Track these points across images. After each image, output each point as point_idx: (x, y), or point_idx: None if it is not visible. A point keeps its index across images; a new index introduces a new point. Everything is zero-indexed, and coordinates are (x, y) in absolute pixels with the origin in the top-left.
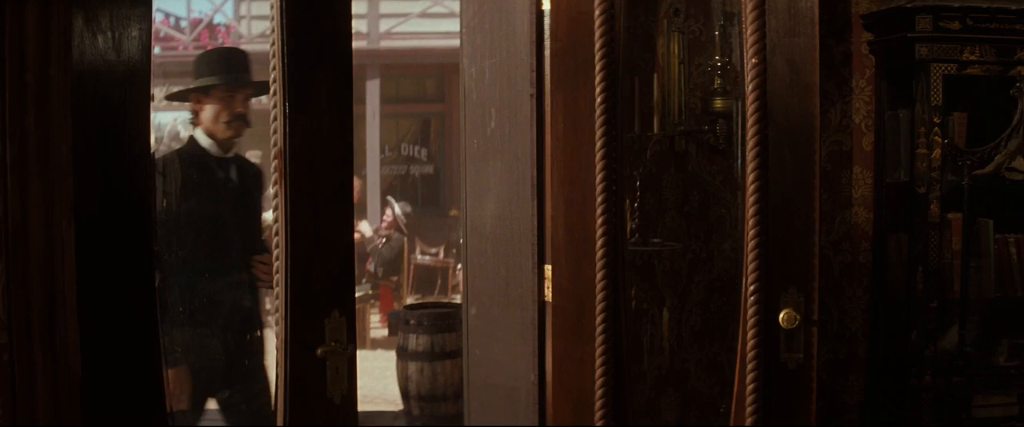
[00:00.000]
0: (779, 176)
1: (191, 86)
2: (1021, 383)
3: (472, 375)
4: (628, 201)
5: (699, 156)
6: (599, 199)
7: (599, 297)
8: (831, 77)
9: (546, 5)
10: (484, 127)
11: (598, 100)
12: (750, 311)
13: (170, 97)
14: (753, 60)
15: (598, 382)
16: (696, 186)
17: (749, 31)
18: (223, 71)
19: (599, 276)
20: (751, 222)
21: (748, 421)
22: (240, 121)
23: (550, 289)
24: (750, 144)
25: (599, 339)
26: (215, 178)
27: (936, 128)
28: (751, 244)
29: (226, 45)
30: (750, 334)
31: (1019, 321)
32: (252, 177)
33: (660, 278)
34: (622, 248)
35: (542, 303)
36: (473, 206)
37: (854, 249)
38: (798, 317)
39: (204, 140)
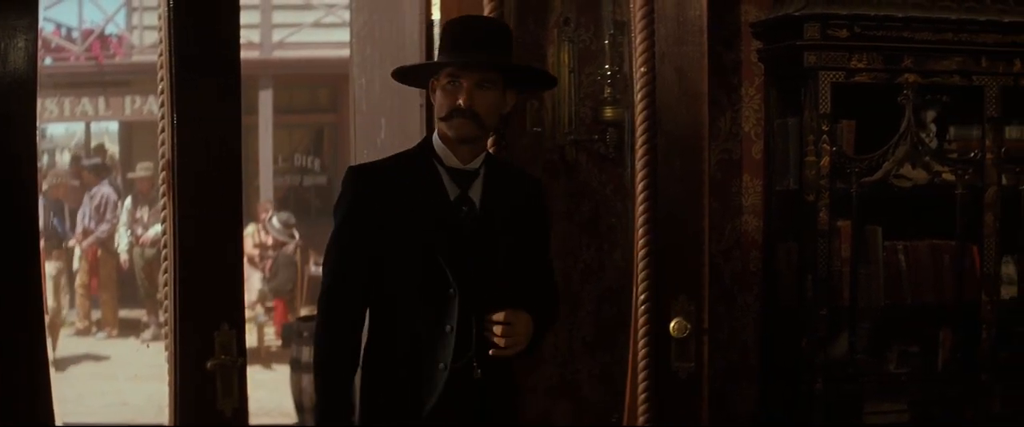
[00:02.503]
0: (669, 185)
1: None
2: (911, 390)
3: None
4: None
5: (590, 165)
6: None
7: None
8: (721, 85)
9: (436, 15)
10: (374, 137)
11: None
12: (641, 320)
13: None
14: (642, 69)
15: None
16: (587, 195)
17: (638, 40)
18: (452, 47)
19: None
20: (641, 231)
21: None
22: (464, 119)
23: None
24: (639, 153)
25: None
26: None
27: (824, 136)
28: (641, 253)
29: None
30: (641, 343)
31: (909, 328)
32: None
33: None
34: None
35: None
36: None
37: (745, 257)
38: (689, 326)
39: (439, 145)
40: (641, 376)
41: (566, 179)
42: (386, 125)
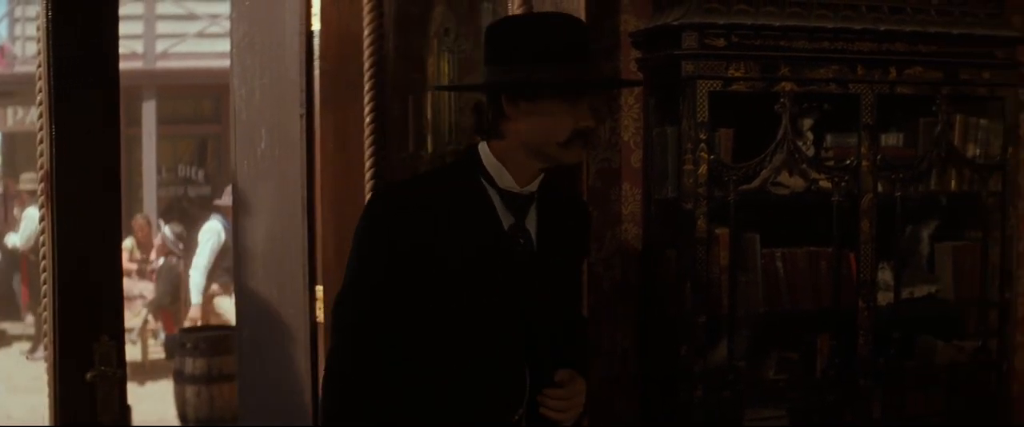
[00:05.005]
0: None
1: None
2: (790, 396)
3: (247, 397)
4: None
5: None
6: None
7: None
8: (601, 94)
9: (316, 26)
10: (254, 148)
11: (367, 120)
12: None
13: (443, 88)
14: None
15: None
16: None
17: None
18: (564, 55)
19: None
20: None
21: None
22: (586, 143)
23: (322, 309)
24: None
25: None
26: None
27: (702, 144)
28: None
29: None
30: None
31: (787, 334)
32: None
33: None
34: None
35: (314, 323)
36: (244, 227)
37: (625, 265)
38: None
39: (493, 164)
40: None
41: None
42: (266, 135)
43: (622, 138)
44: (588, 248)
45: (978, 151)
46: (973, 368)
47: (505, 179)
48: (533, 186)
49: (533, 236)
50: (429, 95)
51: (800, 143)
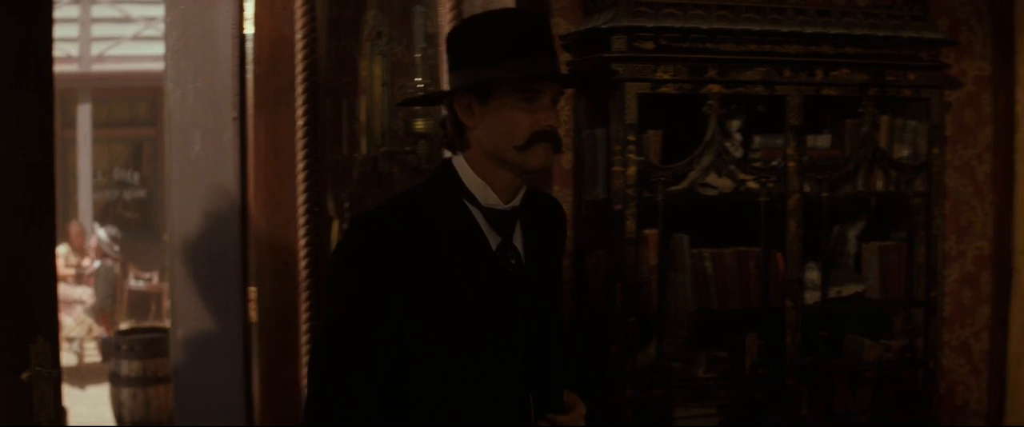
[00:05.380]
0: None
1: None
2: (720, 394)
3: (182, 398)
4: (338, 222)
5: (402, 176)
6: (301, 221)
7: (304, 318)
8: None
9: (249, 30)
10: (188, 150)
11: (299, 123)
12: None
13: (408, 102)
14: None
15: (303, 400)
16: None
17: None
18: (521, 52)
19: (303, 297)
20: None
21: None
22: (549, 144)
23: (255, 310)
24: None
25: (304, 358)
26: (481, 249)
27: (631, 146)
28: None
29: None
30: None
31: (717, 333)
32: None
33: None
34: (325, 270)
35: (248, 324)
36: (179, 229)
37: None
38: None
39: (472, 179)
40: None
41: (378, 190)
42: (200, 138)
43: None
44: (565, 248)
45: (904, 152)
46: (899, 366)
47: (490, 197)
48: (517, 201)
49: (521, 253)
50: (362, 98)
51: (728, 144)
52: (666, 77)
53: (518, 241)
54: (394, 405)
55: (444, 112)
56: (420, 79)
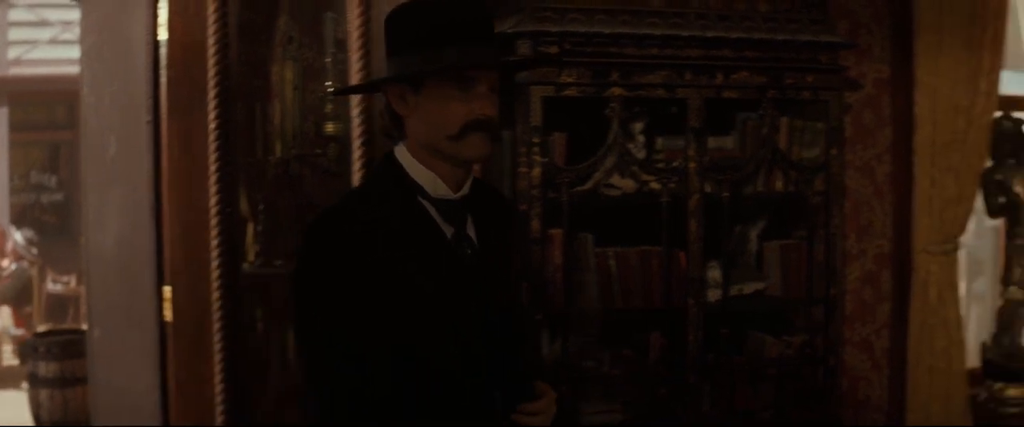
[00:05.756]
0: None
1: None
2: (624, 391)
3: (99, 398)
4: (253, 225)
5: (313, 179)
6: (214, 222)
7: (216, 316)
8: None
9: (163, 35)
10: (103, 153)
11: (212, 126)
12: None
13: (339, 92)
14: None
15: (218, 399)
16: (311, 208)
17: (354, 58)
18: (453, 38)
19: (216, 296)
20: None
21: None
22: (486, 134)
23: (170, 309)
24: (356, 166)
25: (218, 357)
26: (437, 241)
27: (536, 148)
28: None
29: None
30: None
31: (621, 331)
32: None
33: (282, 298)
34: (238, 270)
35: (163, 324)
36: (94, 232)
37: None
38: None
39: (418, 170)
40: None
41: (290, 192)
42: (116, 141)
43: None
44: (515, 245)
45: (804, 153)
46: (801, 363)
47: (439, 187)
48: (466, 189)
49: (475, 242)
50: (275, 101)
51: (631, 146)
52: (570, 80)
53: (471, 230)
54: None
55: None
56: (330, 83)
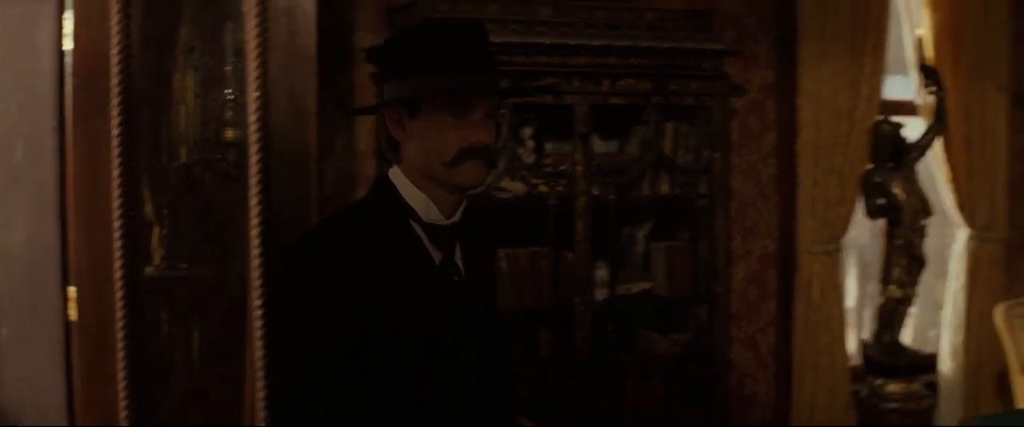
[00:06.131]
0: (281, 199)
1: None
2: (516, 387)
3: (7, 396)
4: (158, 228)
5: (214, 183)
6: (117, 225)
7: (119, 316)
8: (337, 106)
9: (68, 45)
10: (10, 158)
11: (115, 132)
12: (257, 324)
13: (350, 113)
14: (256, 93)
15: (122, 397)
16: (213, 212)
17: (252, 67)
18: (454, 64)
19: (119, 297)
20: (255, 243)
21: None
22: (482, 161)
23: (75, 308)
24: (253, 171)
25: (121, 356)
26: (426, 267)
27: None
28: (256, 262)
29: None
30: (258, 346)
31: (513, 330)
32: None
33: (186, 301)
34: (142, 272)
35: (68, 323)
36: (1, 233)
37: None
38: None
39: (413, 194)
40: (259, 376)
41: (193, 196)
42: (22, 147)
43: (358, 147)
44: (497, 262)
45: (688, 157)
46: (688, 360)
47: (432, 212)
48: (457, 215)
49: (462, 268)
50: (178, 108)
51: (521, 151)
52: None
53: (458, 257)
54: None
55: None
56: (230, 91)
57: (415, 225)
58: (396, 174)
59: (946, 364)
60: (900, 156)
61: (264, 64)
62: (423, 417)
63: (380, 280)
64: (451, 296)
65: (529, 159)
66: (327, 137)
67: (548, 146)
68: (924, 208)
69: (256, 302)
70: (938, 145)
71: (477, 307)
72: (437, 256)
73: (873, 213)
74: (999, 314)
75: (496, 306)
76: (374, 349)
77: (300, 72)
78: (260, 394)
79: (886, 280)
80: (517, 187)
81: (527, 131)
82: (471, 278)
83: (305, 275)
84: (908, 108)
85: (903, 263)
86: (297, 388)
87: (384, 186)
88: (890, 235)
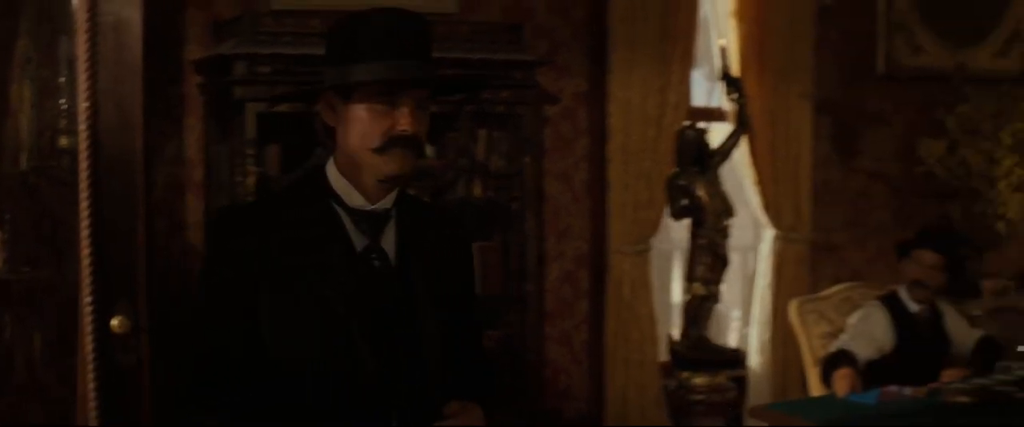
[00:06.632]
0: (110, 203)
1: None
2: None
3: None
4: (2, 234)
5: (49, 189)
6: None
7: None
8: (169, 116)
9: None
10: None
11: None
12: (87, 320)
13: (278, 97)
14: (85, 104)
15: None
16: (48, 216)
17: (82, 78)
18: (380, 52)
19: None
20: (85, 244)
21: (91, 420)
22: (407, 150)
23: None
24: (83, 176)
25: None
26: (343, 249)
27: (251, 159)
28: (86, 263)
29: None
30: (88, 341)
31: None
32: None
33: (28, 302)
34: None
35: None
36: None
37: (192, 267)
38: (130, 324)
39: (339, 180)
40: (90, 369)
41: (31, 201)
42: None
43: (187, 154)
44: (469, 267)
45: (501, 162)
46: (503, 356)
47: (354, 197)
48: (387, 202)
49: (391, 256)
50: (19, 117)
51: None
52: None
53: (389, 244)
54: (260, 397)
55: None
56: (64, 101)
57: (338, 209)
58: (329, 162)
59: (755, 359)
60: (704, 160)
61: (94, 76)
62: (322, 389)
63: (290, 258)
64: (366, 280)
65: None
66: (158, 144)
67: None
68: (726, 209)
69: (87, 300)
70: (744, 149)
71: (404, 296)
72: (360, 241)
73: (677, 214)
74: (793, 309)
75: (454, 304)
76: (266, 315)
77: (127, 84)
78: (91, 393)
79: (691, 278)
80: None
81: None
82: (405, 269)
83: (210, 246)
84: (718, 114)
85: (707, 262)
86: (192, 351)
87: (314, 172)
88: (694, 235)
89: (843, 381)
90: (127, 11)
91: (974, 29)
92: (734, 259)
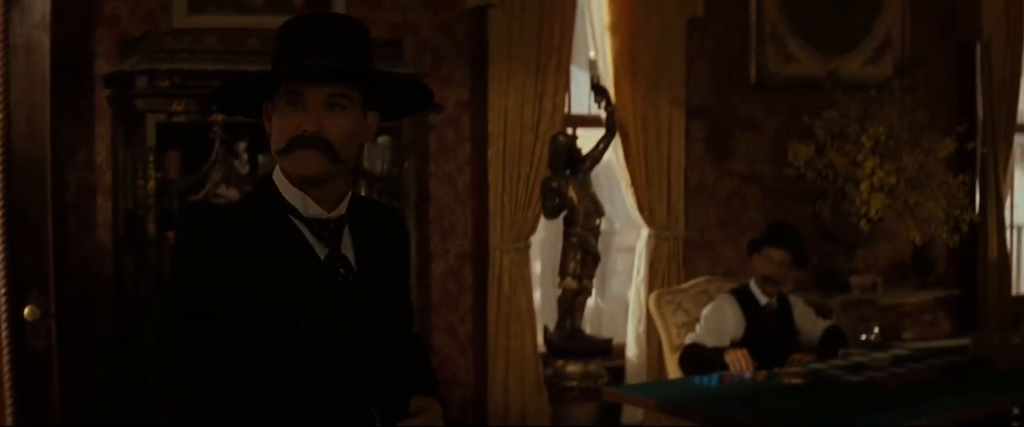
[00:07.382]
0: (21, 204)
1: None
2: None
3: None
4: None
5: None
6: None
7: None
8: (80, 125)
9: None
10: None
11: None
12: (2, 309)
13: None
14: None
15: None
16: None
17: None
18: (291, 52)
19: None
20: (0, 241)
21: (6, 397)
22: (310, 150)
23: None
24: None
25: None
26: (308, 260)
27: (151, 164)
28: (1, 256)
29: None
30: (3, 327)
31: None
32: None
33: None
34: None
35: None
36: None
37: (102, 263)
38: (40, 312)
39: (290, 191)
40: (5, 353)
41: None
42: None
43: (97, 160)
44: (409, 263)
45: (386, 166)
46: None
47: (310, 207)
48: (342, 209)
49: (352, 262)
50: None
51: (236, 162)
52: (179, 109)
53: (348, 250)
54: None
55: None
56: None
57: (296, 220)
58: (276, 172)
59: (631, 349)
60: (575, 164)
61: (6, 91)
62: (300, 398)
63: (256, 275)
64: (332, 289)
65: (244, 169)
66: (71, 151)
67: (260, 158)
68: (596, 209)
69: (1, 291)
70: (619, 154)
71: (368, 302)
72: (321, 250)
73: (549, 214)
74: (652, 300)
75: (399, 300)
76: (235, 325)
77: (37, 97)
78: (6, 374)
79: (563, 273)
80: (233, 193)
81: (241, 145)
82: (366, 273)
83: (184, 241)
84: (598, 121)
85: (577, 258)
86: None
87: (264, 184)
88: (566, 234)
89: (738, 358)
90: (37, 33)
91: (845, 38)
92: (622, 258)
